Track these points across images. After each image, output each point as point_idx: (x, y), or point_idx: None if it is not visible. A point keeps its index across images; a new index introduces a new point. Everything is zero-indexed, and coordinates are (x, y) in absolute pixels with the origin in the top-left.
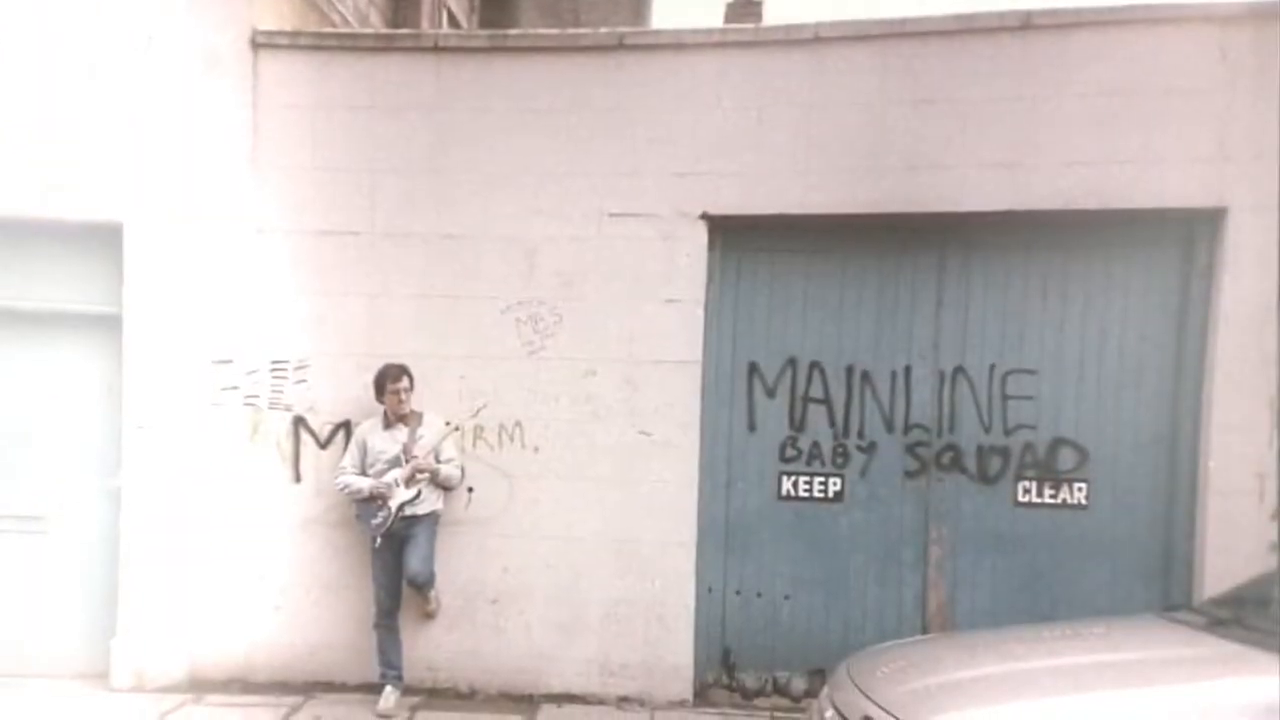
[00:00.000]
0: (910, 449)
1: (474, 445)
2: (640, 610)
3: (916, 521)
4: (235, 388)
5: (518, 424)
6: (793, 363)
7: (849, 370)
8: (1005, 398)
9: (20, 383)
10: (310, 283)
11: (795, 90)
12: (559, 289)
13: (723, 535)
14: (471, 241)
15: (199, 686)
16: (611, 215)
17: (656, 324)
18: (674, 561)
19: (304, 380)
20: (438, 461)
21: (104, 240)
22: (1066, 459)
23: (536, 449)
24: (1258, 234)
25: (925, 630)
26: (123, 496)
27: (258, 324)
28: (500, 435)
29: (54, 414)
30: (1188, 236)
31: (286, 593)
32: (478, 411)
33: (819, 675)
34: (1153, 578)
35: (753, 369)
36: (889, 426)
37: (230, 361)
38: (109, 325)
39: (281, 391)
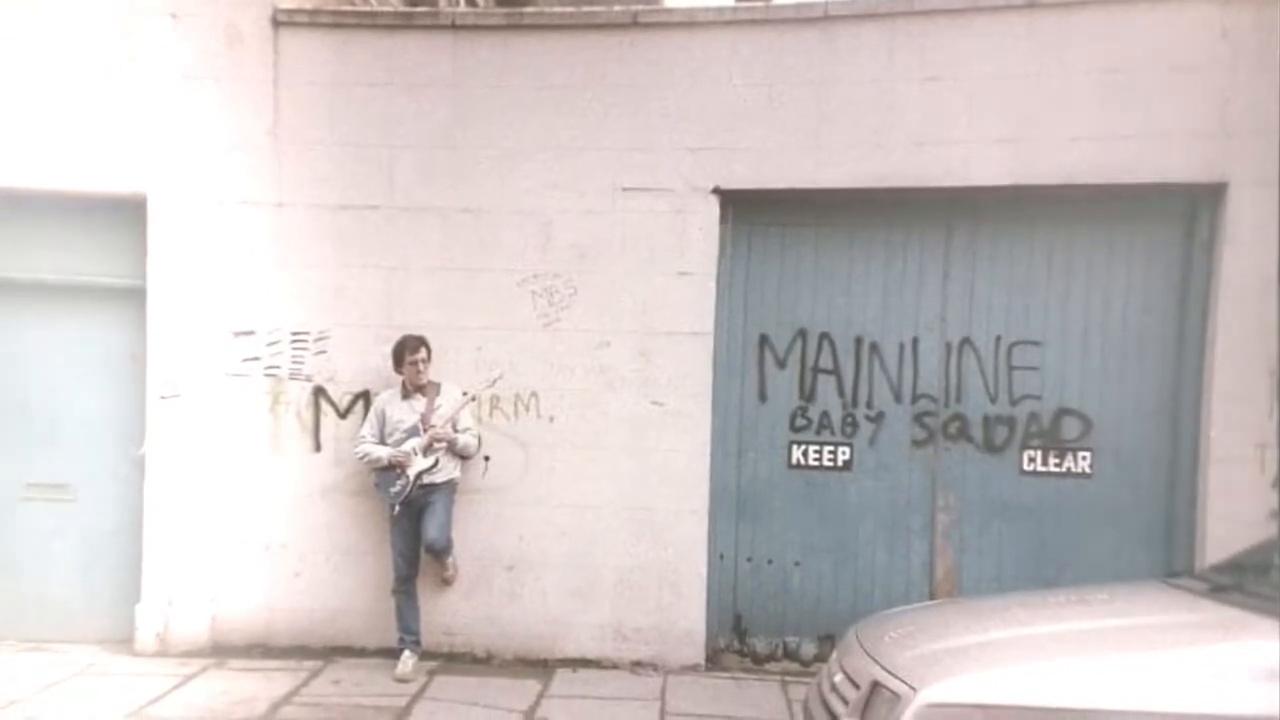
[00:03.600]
0: (918, 418)
1: (490, 415)
2: (653, 577)
3: (924, 489)
4: (256, 359)
5: (533, 395)
6: (803, 334)
7: (858, 341)
8: (1011, 368)
9: (48, 355)
10: (330, 256)
11: (805, 67)
12: (574, 262)
13: (734, 503)
14: (488, 215)
15: (221, 651)
16: (625, 190)
17: (669, 296)
18: (686, 529)
19: (324, 351)
20: (455, 431)
21: (130, 215)
22: (1071, 428)
23: (551, 419)
24: (1258, 208)
25: (932, 596)
26: (147, 465)
27: (278, 296)
28: (516, 406)
29: (81, 385)
30: (1189, 211)
31: (306, 559)
32: (494, 382)
33: (829, 641)
34: (1155, 544)
35: (764, 340)
36: (897, 396)
37: (251, 333)
38: (134, 298)
39: (302, 362)
